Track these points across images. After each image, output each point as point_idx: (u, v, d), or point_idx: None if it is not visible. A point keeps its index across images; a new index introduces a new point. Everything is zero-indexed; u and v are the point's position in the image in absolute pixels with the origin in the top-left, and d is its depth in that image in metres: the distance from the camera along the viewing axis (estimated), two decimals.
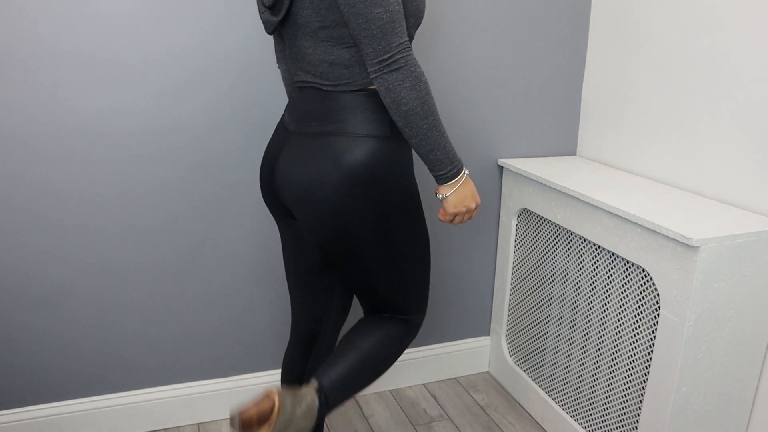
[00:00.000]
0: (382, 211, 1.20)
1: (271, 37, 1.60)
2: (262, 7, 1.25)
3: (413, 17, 1.19)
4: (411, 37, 1.23)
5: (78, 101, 1.51)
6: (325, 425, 1.85)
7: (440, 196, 1.22)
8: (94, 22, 1.47)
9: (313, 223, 1.21)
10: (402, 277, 1.30)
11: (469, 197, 1.24)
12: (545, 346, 1.85)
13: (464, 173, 1.21)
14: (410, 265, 1.29)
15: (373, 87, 1.18)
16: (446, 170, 1.18)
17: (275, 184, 1.28)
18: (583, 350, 1.68)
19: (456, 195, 1.22)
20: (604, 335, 1.59)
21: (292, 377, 1.47)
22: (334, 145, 1.16)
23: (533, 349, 1.92)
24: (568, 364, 1.75)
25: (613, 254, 1.52)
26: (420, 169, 1.86)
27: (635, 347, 1.48)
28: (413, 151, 1.69)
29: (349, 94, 1.18)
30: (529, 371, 1.96)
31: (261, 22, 1.58)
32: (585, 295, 1.65)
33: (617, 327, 1.53)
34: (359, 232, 1.20)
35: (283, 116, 1.31)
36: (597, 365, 1.63)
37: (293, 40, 1.21)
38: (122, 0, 1.48)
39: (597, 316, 1.61)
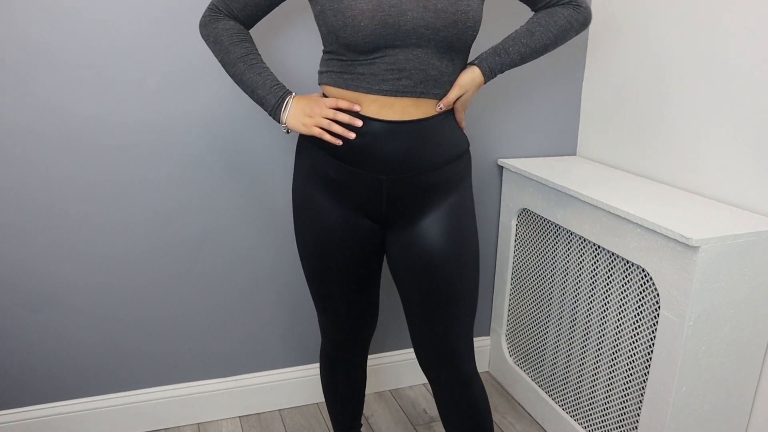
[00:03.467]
0: None
1: (275, 41, 1.60)
2: None
3: (332, 35, 1.13)
4: (352, 50, 1.12)
5: (77, 101, 1.51)
6: (324, 425, 1.85)
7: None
8: (93, 25, 1.47)
9: None
10: None
11: None
12: (545, 346, 1.85)
13: None
14: None
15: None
16: None
17: None
18: (583, 350, 1.68)
19: None
20: (604, 335, 1.59)
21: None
22: None
23: (533, 349, 1.92)
24: (568, 364, 1.75)
25: (613, 254, 1.52)
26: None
27: (635, 347, 1.48)
28: None
29: None
30: (529, 371, 1.96)
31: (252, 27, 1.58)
32: (585, 295, 1.65)
33: (617, 327, 1.53)
34: None
35: None
36: (597, 365, 1.63)
37: None
38: (122, 2, 1.48)
39: (597, 316, 1.61)
